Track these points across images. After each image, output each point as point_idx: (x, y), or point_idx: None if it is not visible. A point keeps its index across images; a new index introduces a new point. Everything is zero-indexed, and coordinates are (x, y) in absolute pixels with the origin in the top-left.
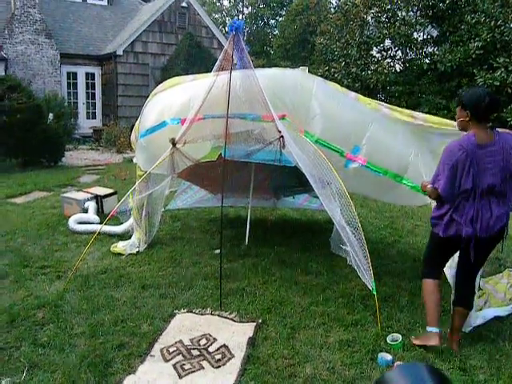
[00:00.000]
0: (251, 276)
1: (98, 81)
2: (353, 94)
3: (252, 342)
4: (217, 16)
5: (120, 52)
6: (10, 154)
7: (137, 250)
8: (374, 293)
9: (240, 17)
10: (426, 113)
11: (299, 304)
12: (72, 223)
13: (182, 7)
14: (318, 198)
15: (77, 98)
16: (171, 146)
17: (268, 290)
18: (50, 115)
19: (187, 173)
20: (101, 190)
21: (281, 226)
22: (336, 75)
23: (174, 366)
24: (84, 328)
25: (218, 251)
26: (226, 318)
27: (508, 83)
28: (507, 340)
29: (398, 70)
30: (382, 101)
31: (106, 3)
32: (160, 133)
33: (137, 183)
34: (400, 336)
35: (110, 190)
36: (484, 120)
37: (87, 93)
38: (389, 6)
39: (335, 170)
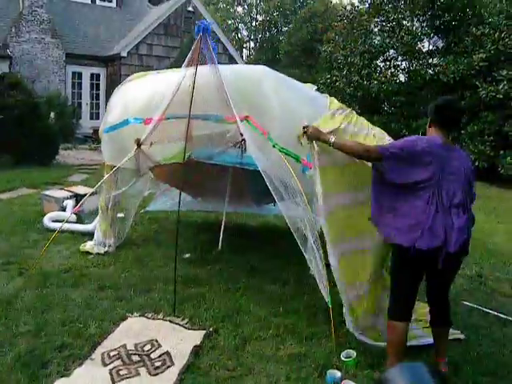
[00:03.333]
0: (214, 282)
1: (102, 81)
2: (324, 99)
3: (196, 351)
4: (230, 22)
5: (124, 54)
6: (4, 151)
7: (105, 249)
8: (330, 305)
9: (253, 24)
10: (427, 123)
11: (257, 314)
12: (47, 221)
13: (188, 11)
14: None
15: (81, 98)
16: (135, 146)
17: (228, 297)
18: (52, 114)
19: (164, 175)
20: (82, 189)
21: (259, 233)
22: (338, 83)
23: (111, 370)
24: (30, 327)
25: (187, 255)
26: (177, 324)
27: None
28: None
29: (402, 80)
30: (385, 111)
31: (115, 5)
32: (122, 130)
33: (104, 178)
34: (354, 353)
35: (91, 190)
36: (442, 124)
37: (91, 93)
38: (394, 16)
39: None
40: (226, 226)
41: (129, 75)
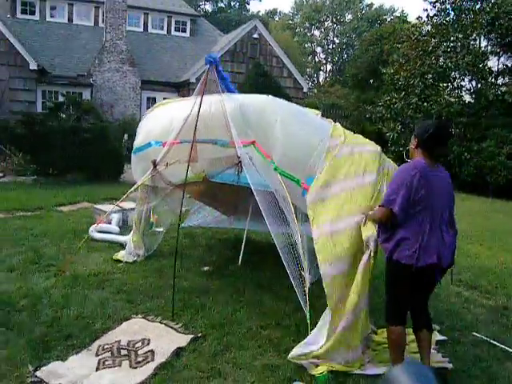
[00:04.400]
0: (220, 294)
1: None
2: (327, 126)
3: (178, 352)
4: (307, 45)
5: (193, 80)
6: (77, 169)
7: (134, 259)
8: (308, 321)
9: (330, 46)
10: (491, 146)
11: (248, 325)
12: (92, 231)
13: (254, 38)
14: None
15: None
16: (152, 166)
17: (227, 309)
18: (125, 136)
19: (197, 193)
20: (129, 205)
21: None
22: (396, 105)
23: (99, 360)
24: (48, 318)
25: (206, 268)
26: (171, 327)
27: None
28: None
29: (466, 101)
30: None
31: (189, 35)
32: (147, 152)
33: (125, 195)
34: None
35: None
36: (429, 149)
37: None
38: (457, 35)
39: (294, 197)
40: (253, 243)
41: None
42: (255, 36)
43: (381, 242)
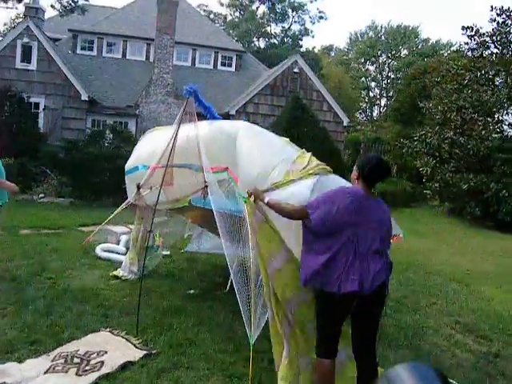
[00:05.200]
0: (192, 316)
1: None
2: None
3: (125, 365)
4: (362, 80)
5: (233, 112)
6: (111, 194)
7: (129, 276)
8: (251, 345)
9: (385, 82)
10: None
11: (206, 348)
12: (98, 250)
13: (295, 72)
14: None
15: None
16: (136, 189)
17: (193, 330)
18: None
19: (195, 218)
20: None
21: None
22: (430, 139)
23: (51, 365)
24: (24, 324)
25: (192, 291)
26: (131, 342)
27: None
28: None
29: (509, 135)
30: (487, 169)
31: (234, 69)
32: (136, 174)
33: (112, 215)
34: None
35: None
36: (368, 181)
37: None
38: (501, 68)
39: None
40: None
41: None
42: (295, 70)
43: (302, 254)
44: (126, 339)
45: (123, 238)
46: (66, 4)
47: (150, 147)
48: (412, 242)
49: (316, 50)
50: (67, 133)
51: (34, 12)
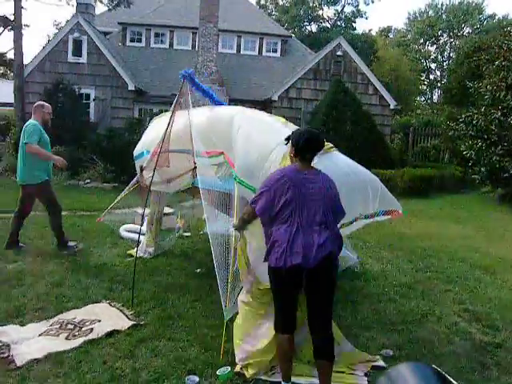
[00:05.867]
0: (191, 293)
1: None
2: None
3: (111, 333)
4: (422, 61)
5: (275, 97)
6: None
7: (144, 255)
8: (225, 321)
9: (446, 63)
10: None
11: (197, 323)
12: (121, 230)
13: (338, 56)
14: None
15: None
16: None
17: (186, 305)
18: None
19: (210, 200)
20: (166, 209)
21: None
22: (476, 121)
23: (47, 329)
24: (34, 293)
25: (199, 270)
26: (124, 313)
27: None
28: None
29: None
30: None
31: (279, 55)
32: (143, 159)
33: (120, 195)
34: (229, 368)
35: (171, 210)
36: (304, 155)
37: None
38: None
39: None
40: None
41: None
42: (339, 53)
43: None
44: (120, 310)
45: (146, 219)
46: None
47: (153, 133)
48: (447, 228)
49: (373, 33)
50: (116, 122)
51: (84, 8)
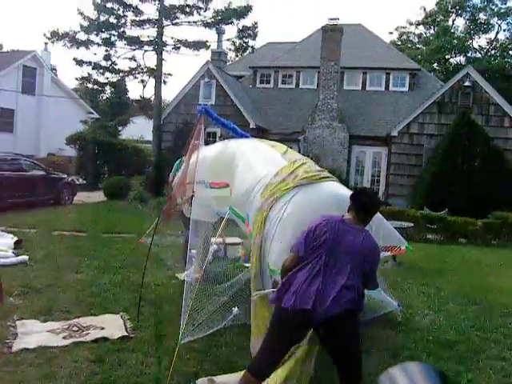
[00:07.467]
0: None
1: (383, 160)
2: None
3: (97, 340)
4: None
5: (395, 133)
6: None
7: (187, 280)
8: (180, 342)
9: None
10: None
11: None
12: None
13: (466, 86)
14: None
15: (362, 175)
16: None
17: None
18: None
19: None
20: (232, 240)
21: None
22: None
23: (55, 328)
24: (65, 298)
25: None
26: (125, 325)
27: None
28: None
29: None
30: None
31: (407, 89)
32: None
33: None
34: None
35: (238, 240)
36: (358, 211)
37: (374, 170)
38: None
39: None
40: None
41: (399, 153)
42: (467, 84)
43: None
44: (124, 322)
45: (212, 247)
46: (238, 46)
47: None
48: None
49: None
50: None
51: (217, 55)
